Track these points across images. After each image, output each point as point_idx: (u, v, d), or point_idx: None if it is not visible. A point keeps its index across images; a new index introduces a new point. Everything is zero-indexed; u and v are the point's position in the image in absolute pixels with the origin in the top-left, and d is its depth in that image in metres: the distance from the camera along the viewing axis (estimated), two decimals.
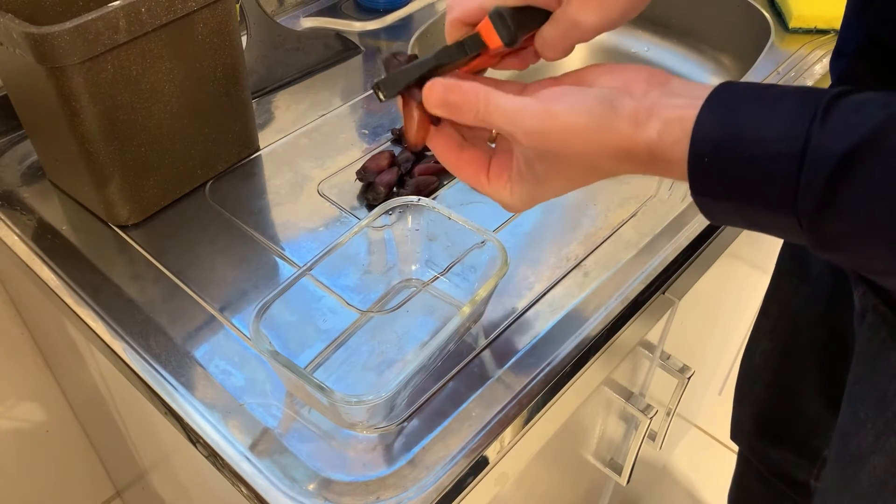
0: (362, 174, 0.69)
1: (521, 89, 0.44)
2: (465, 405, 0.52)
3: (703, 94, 0.36)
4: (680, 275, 0.67)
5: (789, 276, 0.73)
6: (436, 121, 0.44)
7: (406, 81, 0.42)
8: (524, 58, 0.48)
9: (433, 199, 0.68)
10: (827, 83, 0.85)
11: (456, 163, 0.45)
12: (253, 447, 0.49)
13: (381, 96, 0.42)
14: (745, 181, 0.35)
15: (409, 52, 0.44)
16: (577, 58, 1.11)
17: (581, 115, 0.39)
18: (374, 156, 0.71)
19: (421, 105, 0.42)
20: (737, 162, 0.34)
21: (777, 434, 0.82)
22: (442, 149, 0.46)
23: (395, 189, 0.68)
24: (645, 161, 0.38)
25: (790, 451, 0.82)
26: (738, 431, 0.88)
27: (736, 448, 0.93)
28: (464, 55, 0.43)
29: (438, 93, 0.41)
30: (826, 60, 0.87)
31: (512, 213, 0.46)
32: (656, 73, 0.40)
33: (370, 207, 0.67)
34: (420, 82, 0.42)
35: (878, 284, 0.54)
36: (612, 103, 0.39)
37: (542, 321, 0.58)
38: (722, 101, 0.36)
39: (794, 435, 0.80)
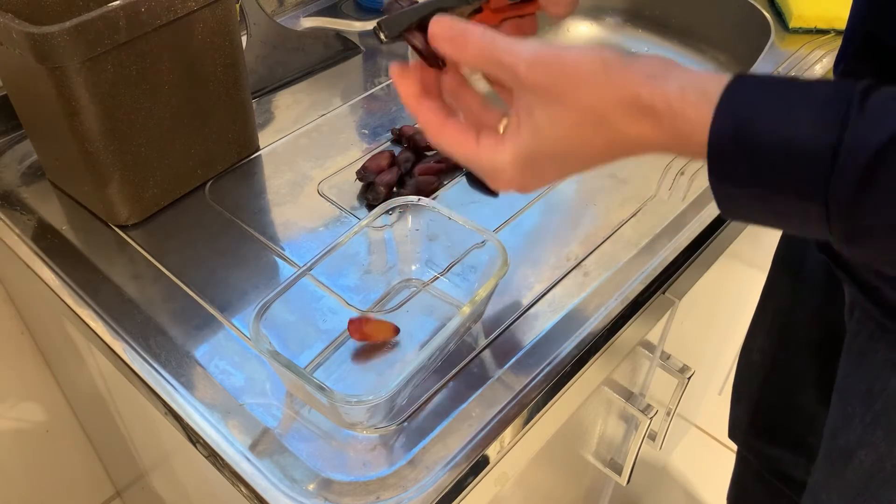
0: (362, 174, 0.69)
1: None
2: (465, 405, 0.52)
3: (725, 76, 0.34)
4: (680, 275, 0.67)
5: (785, 272, 0.73)
6: (436, 63, 0.42)
7: (408, 22, 0.41)
8: (521, 27, 0.46)
9: (433, 199, 0.68)
10: None
11: (440, 128, 0.42)
12: (253, 447, 0.49)
13: (382, 36, 0.41)
14: (772, 165, 0.32)
15: None
16: None
17: (590, 56, 0.36)
18: (374, 156, 0.71)
19: (423, 48, 0.41)
20: (765, 144, 0.32)
21: (773, 432, 0.82)
22: (427, 114, 0.42)
23: (394, 189, 0.68)
24: (660, 115, 0.35)
25: (787, 449, 0.82)
26: (735, 429, 0.89)
27: (736, 448, 0.93)
28: (466, 3, 0.42)
29: (445, 26, 0.39)
30: (826, 60, 0.87)
31: (502, 190, 0.42)
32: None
33: (370, 207, 0.67)
34: (421, 25, 0.41)
35: (866, 283, 0.54)
36: (625, 56, 0.36)
37: (542, 321, 0.58)
38: (748, 82, 0.34)
39: (791, 433, 0.80)
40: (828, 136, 0.31)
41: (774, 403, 0.80)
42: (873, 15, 0.47)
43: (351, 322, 0.55)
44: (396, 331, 0.55)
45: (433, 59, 0.41)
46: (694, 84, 0.34)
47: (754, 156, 0.33)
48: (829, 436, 0.62)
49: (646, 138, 0.36)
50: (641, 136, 0.36)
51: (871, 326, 0.55)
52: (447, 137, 0.42)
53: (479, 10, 0.44)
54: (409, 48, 0.42)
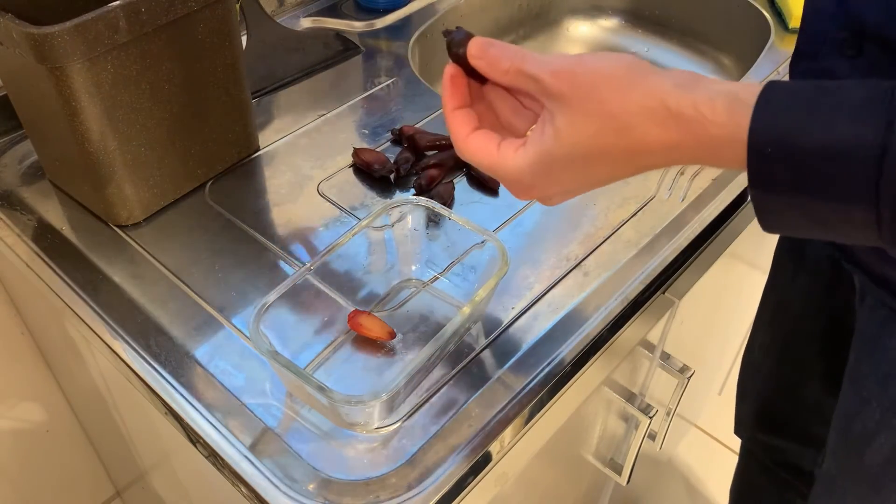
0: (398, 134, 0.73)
1: None
2: (465, 405, 0.52)
3: (755, 84, 0.34)
4: (680, 275, 0.67)
5: (786, 266, 0.73)
6: (479, 79, 0.44)
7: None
8: None
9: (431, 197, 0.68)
10: None
11: (466, 137, 0.43)
12: (253, 447, 0.49)
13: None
14: (817, 172, 0.32)
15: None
16: None
17: (614, 64, 0.37)
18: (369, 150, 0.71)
19: (467, 65, 0.43)
20: (808, 150, 0.31)
21: (780, 425, 0.82)
22: (458, 124, 0.44)
23: (412, 166, 0.70)
24: (689, 121, 0.34)
25: (794, 440, 0.82)
26: (741, 425, 0.89)
27: (736, 448, 0.93)
28: None
29: (480, 45, 0.41)
30: None
31: (519, 200, 0.43)
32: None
33: (418, 188, 0.68)
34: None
35: (877, 273, 0.54)
36: (650, 66, 0.37)
37: (542, 321, 0.58)
38: (780, 88, 0.33)
39: (797, 424, 0.80)
40: (872, 137, 0.30)
41: (780, 397, 0.80)
42: (873, 11, 0.46)
43: (352, 313, 0.56)
44: (392, 335, 0.55)
45: (476, 76, 0.44)
46: (724, 92, 0.34)
47: (798, 162, 0.32)
48: (842, 423, 0.62)
49: (671, 147, 0.36)
50: (667, 145, 0.36)
51: (884, 311, 0.55)
52: (471, 145, 0.43)
53: None
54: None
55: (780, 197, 0.33)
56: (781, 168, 0.32)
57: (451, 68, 0.44)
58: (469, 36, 0.43)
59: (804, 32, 0.52)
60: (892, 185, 0.30)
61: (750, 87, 0.34)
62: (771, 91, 0.33)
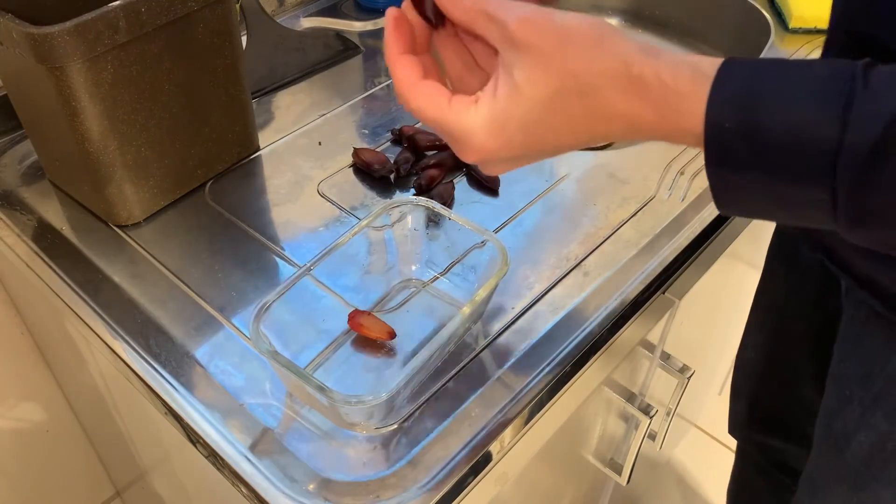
0: (398, 134, 0.73)
1: None
2: (465, 405, 0.52)
3: (718, 60, 0.33)
4: (680, 275, 0.67)
5: (778, 267, 0.73)
6: (431, 19, 0.40)
7: None
8: None
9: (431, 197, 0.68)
10: None
11: (413, 85, 0.39)
12: (253, 447, 0.49)
13: None
14: (775, 146, 0.31)
15: None
16: None
17: (585, 24, 0.35)
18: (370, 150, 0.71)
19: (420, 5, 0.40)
20: (766, 123, 0.31)
21: (774, 425, 0.82)
22: (403, 70, 0.39)
23: (412, 166, 0.70)
24: (650, 89, 0.33)
25: (788, 441, 0.82)
26: (735, 425, 0.89)
27: (735, 446, 0.93)
28: None
29: None
30: None
31: (469, 160, 0.40)
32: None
33: (418, 189, 0.68)
34: None
35: (862, 276, 0.54)
36: (621, 32, 0.35)
37: (542, 321, 0.58)
38: (743, 61, 0.32)
39: (792, 425, 0.80)
40: (830, 116, 0.30)
41: (773, 397, 0.80)
42: (856, 8, 0.46)
43: (352, 313, 0.56)
44: (392, 335, 0.55)
45: (431, 14, 0.40)
46: (686, 63, 0.33)
47: (755, 139, 0.31)
48: (824, 421, 0.62)
49: (631, 115, 0.35)
50: (627, 112, 0.35)
51: (865, 310, 0.55)
52: (419, 95, 0.39)
53: None
54: None
55: (735, 174, 0.33)
56: (738, 144, 0.32)
57: (394, 11, 0.40)
58: None
59: (828, 32, 0.52)
60: (849, 166, 0.30)
61: (713, 60, 0.33)
62: (733, 65, 0.32)
